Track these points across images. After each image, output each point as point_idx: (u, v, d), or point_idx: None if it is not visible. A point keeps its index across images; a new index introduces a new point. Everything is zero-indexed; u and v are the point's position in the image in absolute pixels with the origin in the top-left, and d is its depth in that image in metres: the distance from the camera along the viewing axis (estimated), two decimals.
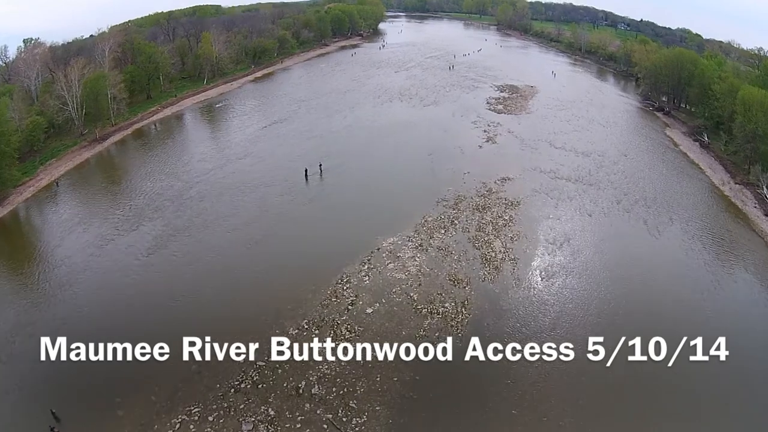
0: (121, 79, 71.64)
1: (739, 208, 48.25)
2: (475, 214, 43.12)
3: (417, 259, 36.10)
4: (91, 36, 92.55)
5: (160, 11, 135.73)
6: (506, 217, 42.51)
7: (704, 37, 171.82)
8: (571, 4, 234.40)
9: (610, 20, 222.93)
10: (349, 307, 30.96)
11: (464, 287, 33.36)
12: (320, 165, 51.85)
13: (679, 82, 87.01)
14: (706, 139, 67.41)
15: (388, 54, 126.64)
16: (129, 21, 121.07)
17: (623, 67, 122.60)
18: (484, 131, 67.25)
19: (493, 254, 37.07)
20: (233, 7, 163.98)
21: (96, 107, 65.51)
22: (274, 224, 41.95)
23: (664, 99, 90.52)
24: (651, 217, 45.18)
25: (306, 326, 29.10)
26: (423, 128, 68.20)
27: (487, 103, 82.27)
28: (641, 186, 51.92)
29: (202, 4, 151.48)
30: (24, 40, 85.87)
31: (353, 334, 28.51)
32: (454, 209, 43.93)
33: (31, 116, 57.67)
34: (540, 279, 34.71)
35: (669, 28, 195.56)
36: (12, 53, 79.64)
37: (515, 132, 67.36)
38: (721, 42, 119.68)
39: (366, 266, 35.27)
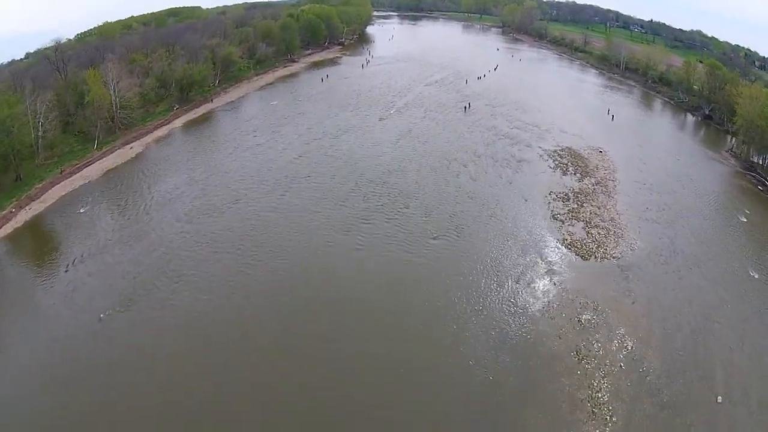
0: None
1: None
2: None
3: None
4: None
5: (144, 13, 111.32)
6: None
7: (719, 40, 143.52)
8: (574, 2, 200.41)
9: (621, 21, 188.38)
10: None
11: None
12: None
13: None
14: None
15: (373, 77, 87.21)
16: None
17: (682, 96, 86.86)
18: (585, 372, 25.44)
19: None
20: (210, 8, 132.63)
21: None
22: None
23: None
24: None
25: None
26: (434, 374, 24.91)
27: (553, 217, 41.64)
28: None
29: (180, 5, 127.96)
30: None
31: None
32: None
33: None
34: None
35: (683, 30, 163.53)
36: None
37: (647, 362, 26.29)
38: None
39: None
